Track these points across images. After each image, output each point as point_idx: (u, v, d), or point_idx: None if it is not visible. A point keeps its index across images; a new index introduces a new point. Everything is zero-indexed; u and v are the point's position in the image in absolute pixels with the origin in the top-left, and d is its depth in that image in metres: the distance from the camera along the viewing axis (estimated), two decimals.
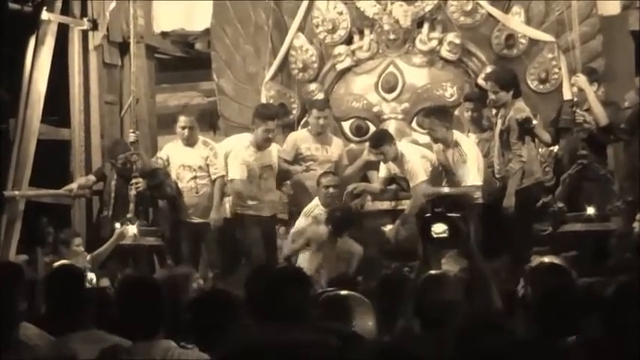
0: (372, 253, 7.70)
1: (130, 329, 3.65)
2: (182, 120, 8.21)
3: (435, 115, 7.79)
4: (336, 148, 8.37)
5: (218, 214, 8.05)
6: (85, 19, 9.05)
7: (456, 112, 8.32)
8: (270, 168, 8.10)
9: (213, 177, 8.14)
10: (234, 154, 8.02)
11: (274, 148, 8.18)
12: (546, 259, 6.26)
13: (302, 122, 8.71)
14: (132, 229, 7.71)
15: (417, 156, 7.81)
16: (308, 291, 3.33)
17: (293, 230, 7.93)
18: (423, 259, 4.39)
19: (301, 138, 8.38)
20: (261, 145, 8.01)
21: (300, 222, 7.95)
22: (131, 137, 8.08)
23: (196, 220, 8.17)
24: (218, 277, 7.60)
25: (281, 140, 8.42)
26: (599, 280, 4.94)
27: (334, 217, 7.55)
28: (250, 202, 8.01)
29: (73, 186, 8.45)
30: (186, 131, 8.15)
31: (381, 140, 7.85)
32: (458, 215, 4.12)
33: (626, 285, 3.19)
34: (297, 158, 8.29)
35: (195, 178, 8.16)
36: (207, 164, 8.14)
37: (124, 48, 9.26)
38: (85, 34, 9.09)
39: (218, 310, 3.70)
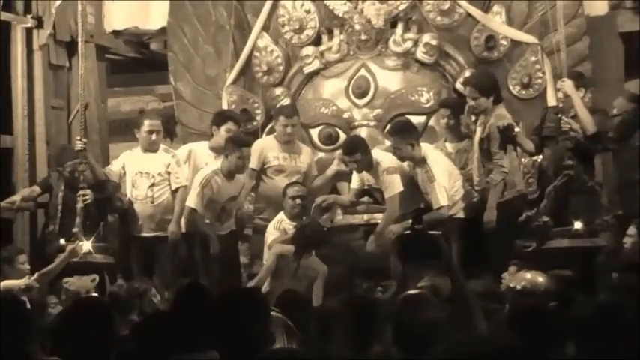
0: (342, 271, 7.63)
1: (80, 355, 3.58)
2: (148, 124, 8.17)
3: (400, 134, 7.73)
4: (305, 157, 8.28)
5: (177, 227, 7.98)
6: (29, 17, 8.95)
7: (431, 121, 8.31)
8: (234, 199, 8.01)
9: (174, 187, 8.10)
10: (198, 180, 7.87)
11: (241, 177, 8.08)
12: (528, 275, 6.26)
13: (267, 129, 8.66)
14: (86, 246, 7.61)
15: (392, 165, 7.76)
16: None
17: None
18: (401, 280, 4.34)
19: (268, 146, 8.27)
20: (232, 174, 7.93)
21: (271, 235, 7.84)
22: (78, 145, 7.99)
23: (148, 234, 8.10)
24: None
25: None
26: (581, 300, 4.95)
27: (302, 235, 7.45)
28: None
29: (16, 198, 8.31)
30: (153, 135, 8.14)
31: (355, 147, 7.79)
32: (439, 233, 4.08)
33: (604, 306, 3.21)
34: (264, 168, 8.20)
35: (152, 186, 8.11)
36: (169, 172, 8.09)
37: (72, 48, 9.15)
38: (29, 33, 8.98)
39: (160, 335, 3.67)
